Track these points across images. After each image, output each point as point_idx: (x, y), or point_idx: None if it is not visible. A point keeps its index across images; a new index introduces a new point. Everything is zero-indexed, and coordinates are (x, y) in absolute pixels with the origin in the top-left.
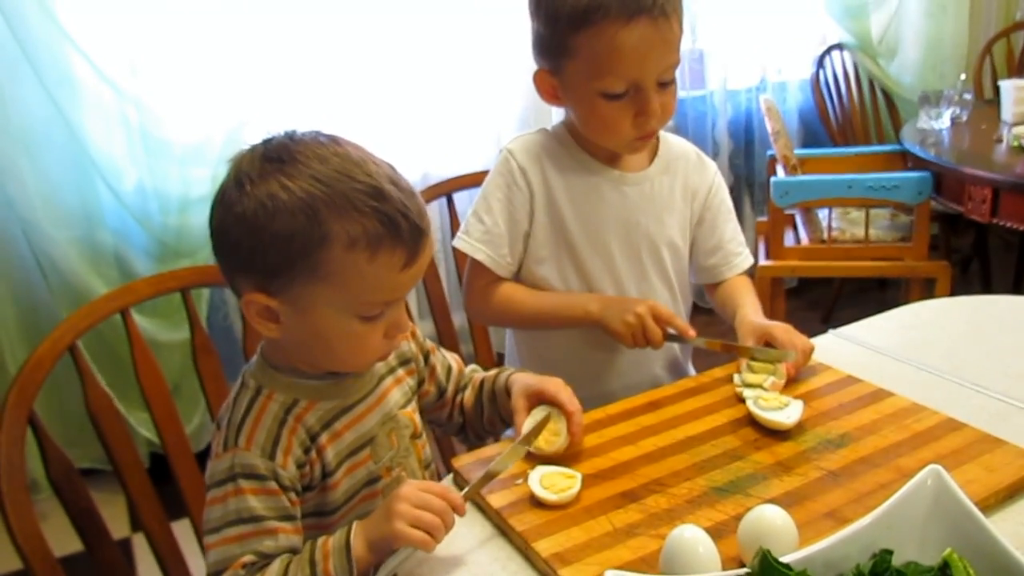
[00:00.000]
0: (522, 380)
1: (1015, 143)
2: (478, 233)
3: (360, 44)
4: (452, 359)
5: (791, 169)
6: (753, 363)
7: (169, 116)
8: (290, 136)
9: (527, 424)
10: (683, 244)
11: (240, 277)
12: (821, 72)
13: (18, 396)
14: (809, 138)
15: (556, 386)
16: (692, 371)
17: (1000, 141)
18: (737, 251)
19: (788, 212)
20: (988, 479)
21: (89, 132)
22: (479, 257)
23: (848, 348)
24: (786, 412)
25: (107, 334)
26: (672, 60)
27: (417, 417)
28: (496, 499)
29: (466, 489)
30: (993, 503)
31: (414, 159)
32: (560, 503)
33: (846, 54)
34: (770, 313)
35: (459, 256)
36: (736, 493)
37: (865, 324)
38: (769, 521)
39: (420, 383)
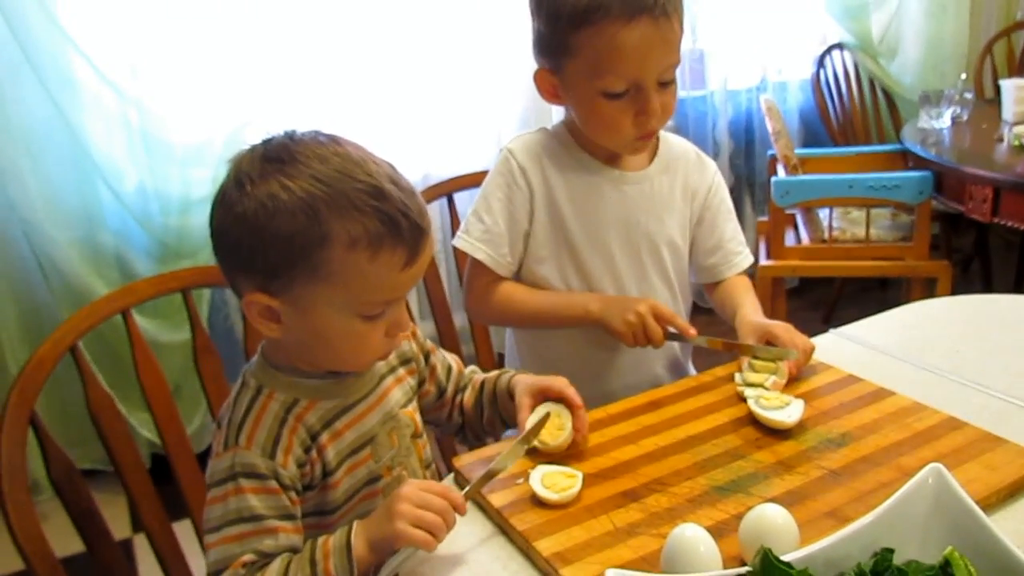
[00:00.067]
0: (526, 379)
1: (1016, 142)
2: (478, 232)
3: (360, 45)
4: (452, 359)
5: (792, 169)
6: (754, 362)
7: (170, 117)
8: (290, 136)
9: (530, 422)
10: (683, 243)
11: (241, 277)
12: (822, 72)
13: (19, 397)
14: (810, 138)
15: (562, 382)
16: (693, 370)
17: (1001, 140)
18: (737, 250)
19: (789, 212)
20: (989, 478)
21: (90, 133)
22: (479, 256)
23: (849, 347)
24: (787, 411)
25: (108, 335)
26: (673, 60)
27: (418, 416)
28: (497, 498)
29: (467, 488)
30: (994, 502)
31: (415, 159)
32: (561, 502)
33: (846, 54)
34: (771, 313)
35: (459, 256)
36: (737, 492)
37: (866, 323)
38: (770, 520)
39: (421, 383)
